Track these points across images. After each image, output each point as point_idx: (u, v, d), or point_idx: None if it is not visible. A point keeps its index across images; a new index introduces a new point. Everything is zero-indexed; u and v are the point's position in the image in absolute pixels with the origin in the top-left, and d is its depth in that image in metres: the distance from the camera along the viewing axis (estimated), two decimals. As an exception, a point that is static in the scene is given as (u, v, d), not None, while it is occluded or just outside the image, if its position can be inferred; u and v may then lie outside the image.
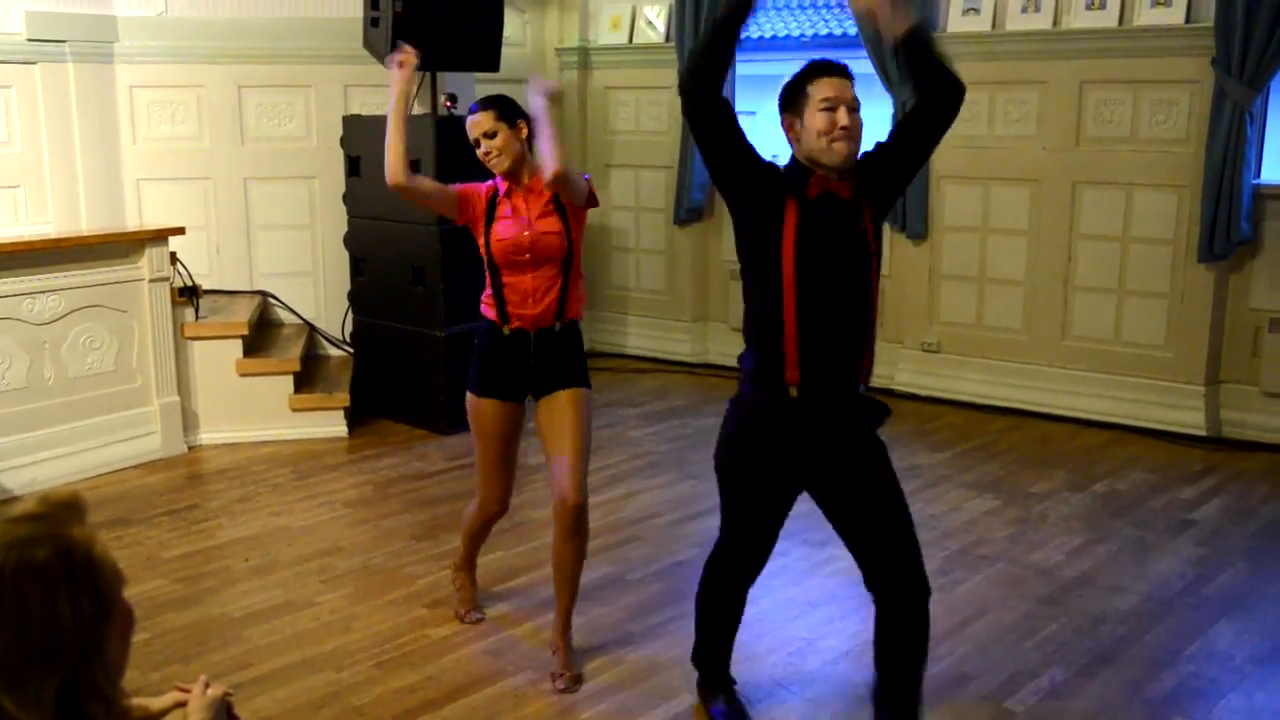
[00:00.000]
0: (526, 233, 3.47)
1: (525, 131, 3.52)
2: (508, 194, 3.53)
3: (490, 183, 3.58)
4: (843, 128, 2.80)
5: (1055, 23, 6.01)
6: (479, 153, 3.51)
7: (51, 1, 5.73)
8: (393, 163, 3.50)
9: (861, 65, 6.54)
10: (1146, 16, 5.75)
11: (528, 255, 3.47)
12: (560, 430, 3.52)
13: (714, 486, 3.06)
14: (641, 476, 5.32)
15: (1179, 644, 3.72)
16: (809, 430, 2.90)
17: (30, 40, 5.64)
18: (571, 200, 3.49)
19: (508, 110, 3.51)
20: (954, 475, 5.34)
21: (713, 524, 4.53)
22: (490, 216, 3.53)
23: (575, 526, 3.49)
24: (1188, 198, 5.75)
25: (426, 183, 3.71)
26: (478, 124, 3.49)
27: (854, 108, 2.83)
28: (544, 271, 3.50)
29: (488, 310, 3.58)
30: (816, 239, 2.82)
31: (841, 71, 2.88)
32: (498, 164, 3.49)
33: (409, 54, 3.59)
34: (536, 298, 3.50)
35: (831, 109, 2.79)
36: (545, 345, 3.54)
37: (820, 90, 2.81)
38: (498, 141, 3.46)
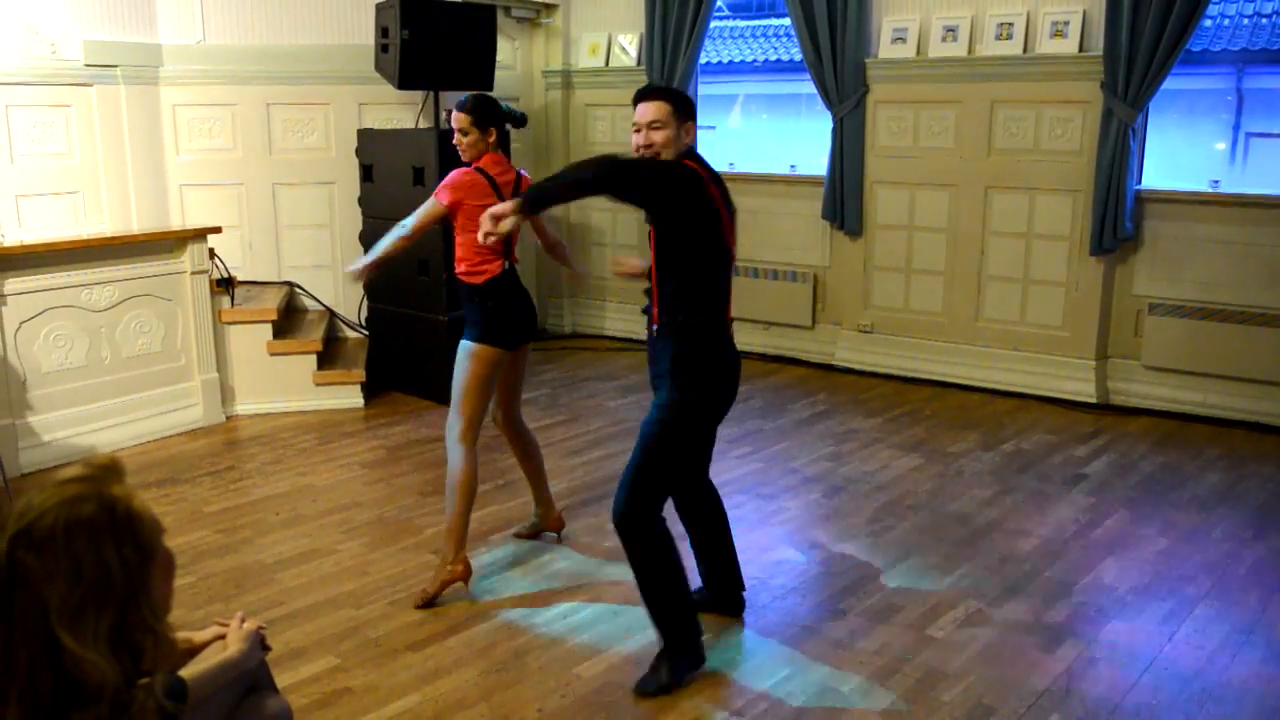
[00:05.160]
0: None
1: (494, 135, 3.62)
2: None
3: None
4: (643, 146, 2.99)
5: (970, 51, 6.00)
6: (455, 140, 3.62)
7: (105, 32, 5.66)
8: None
9: (805, 86, 6.55)
10: (1046, 46, 5.75)
11: None
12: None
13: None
14: (617, 440, 5.31)
15: (1072, 578, 3.76)
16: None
17: (87, 65, 5.57)
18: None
19: (483, 116, 3.59)
20: (885, 438, 5.36)
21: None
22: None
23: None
24: (1081, 200, 5.77)
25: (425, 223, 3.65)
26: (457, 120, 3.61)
27: (656, 127, 2.98)
28: None
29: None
30: None
31: (645, 96, 3.03)
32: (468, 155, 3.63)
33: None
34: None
35: (636, 130, 3.00)
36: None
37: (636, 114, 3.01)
38: (470, 139, 3.59)
